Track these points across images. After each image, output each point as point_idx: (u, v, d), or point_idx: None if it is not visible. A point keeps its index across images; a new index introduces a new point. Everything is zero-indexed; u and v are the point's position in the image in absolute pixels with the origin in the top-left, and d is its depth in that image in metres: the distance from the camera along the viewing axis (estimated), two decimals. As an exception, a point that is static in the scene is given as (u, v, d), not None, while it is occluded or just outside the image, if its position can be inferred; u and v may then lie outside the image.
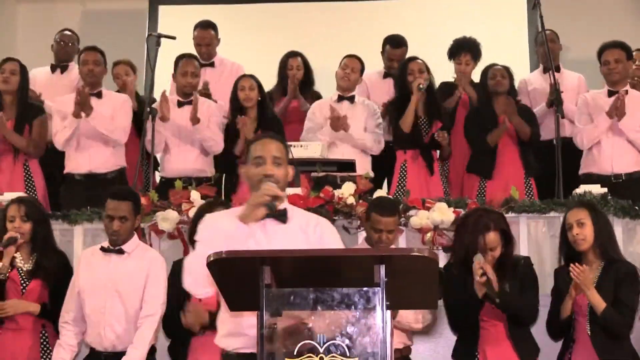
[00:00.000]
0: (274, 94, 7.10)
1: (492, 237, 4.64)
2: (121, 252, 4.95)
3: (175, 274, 4.77)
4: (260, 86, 6.56)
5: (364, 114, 6.58)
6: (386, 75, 7.30)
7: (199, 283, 3.49)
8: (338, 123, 6.35)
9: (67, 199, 6.20)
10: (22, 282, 5.00)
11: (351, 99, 6.64)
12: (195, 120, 6.30)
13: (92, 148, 6.30)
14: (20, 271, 5.02)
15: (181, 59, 6.57)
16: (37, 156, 6.42)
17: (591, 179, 6.02)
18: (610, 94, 6.28)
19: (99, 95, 6.38)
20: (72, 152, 6.35)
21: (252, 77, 6.57)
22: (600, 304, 4.51)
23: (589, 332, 4.57)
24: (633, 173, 6.21)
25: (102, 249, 4.98)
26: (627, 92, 6.24)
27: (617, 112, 6.06)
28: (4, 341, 5.00)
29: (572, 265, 4.52)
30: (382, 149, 6.61)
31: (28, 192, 6.19)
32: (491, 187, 6.31)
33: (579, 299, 4.62)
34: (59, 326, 4.92)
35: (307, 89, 7.08)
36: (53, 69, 7.29)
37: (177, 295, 4.66)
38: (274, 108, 6.77)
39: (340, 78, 6.64)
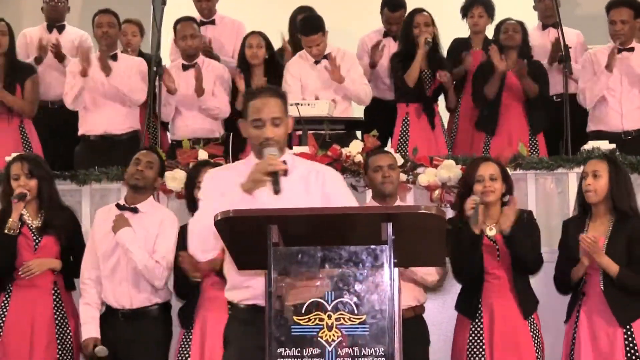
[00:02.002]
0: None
1: (491, 165, 4.70)
2: (135, 210, 4.96)
3: (185, 237, 4.78)
4: (268, 43, 6.52)
5: (345, 66, 6.40)
6: (386, 34, 7.16)
7: (203, 247, 3.47)
8: (338, 74, 6.24)
9: (81, 160, 6.20)
10: (34, 238, 5.01)
11: (327, 57, 6.42)
12: (200, 91, 6.30)
13: (108, 109, 6.31)
14: (31, 228, 5.03)
15: (178, 23, 6.54)
16: (31, 116, 6.41)
17: (600, 136, 5.96)
18: (618, 52, 6.19)
19: (114, 57, 6.37)
20: (87, 113, 6.34)
21: (260, 34, 6.52)
22: (612, 267, 4.49)
23: (602, 287, 4.56)
24: None
25: (118, 205, 4.99)
26: (633, 49, 6.18)
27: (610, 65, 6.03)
28: (18, 297, 5.03)
29: (582, 236, 4.50)
30: (370, 99, 6.54)
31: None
32: (495, 144, 6.30)
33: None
34: (82, 284, 4.95)
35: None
36: (49, 29, 7.16)
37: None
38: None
39: (314, 56, 6.39)
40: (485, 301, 4.72)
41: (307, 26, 6.40)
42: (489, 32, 7.02)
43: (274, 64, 6.52)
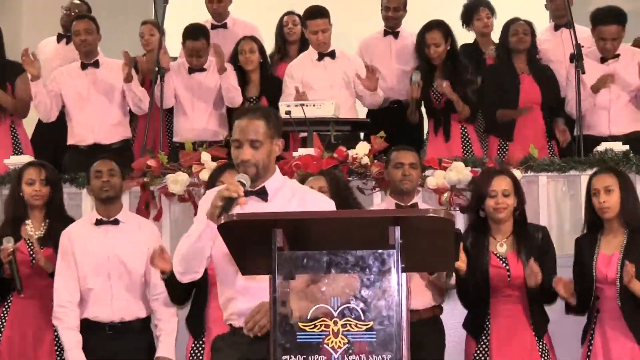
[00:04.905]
0: (273, 57, 6.97)
1: (504, 180, 4.60)
2: (116, 222, 4.88)
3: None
4: (261, 48, 6.49)
5: (349, 68, 6.38)
6: (386, 33, 7.00)
7: (184, 268, 3.50)
8: (374, 84, 6.26)
9: (71, 167, 6.04)
10: (31, 252, 4.93)
11: (332, 55, 6.44)
12: (222, 69, 6.21)
13: (97, 119, 6.19)
14: (29, 242, 4.95)
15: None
16: (24, 116, 6.32)
17: (587, 141, 5.85)
18: (603, 60, 6.14)
19: (95, 64, 6.25)
20: (75, 123, 6.23)
21: (253, 39, 6.54)
22: None
23: (619, 303, 4.46)
24: (630, 134, 6.06)
25: (97, 221, 4.88)
26: (618, 55, 6.11)
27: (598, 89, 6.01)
28: (17, 309, 4.97)
29: (628, 263, 4.35)
30: (380, 103, 6.49)
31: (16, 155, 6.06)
32: (513, 149, 6.16)
33: (604, 269, 4.50)
34: (59, 307, 4.76)
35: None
36: (59, 38, 7.09)
37: None
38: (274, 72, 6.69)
39: (316, 45, 6.39)
40: (494, 320, 4.62)
41: (312, 10, 6.40)
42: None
43: (267, 69, 6.53)
